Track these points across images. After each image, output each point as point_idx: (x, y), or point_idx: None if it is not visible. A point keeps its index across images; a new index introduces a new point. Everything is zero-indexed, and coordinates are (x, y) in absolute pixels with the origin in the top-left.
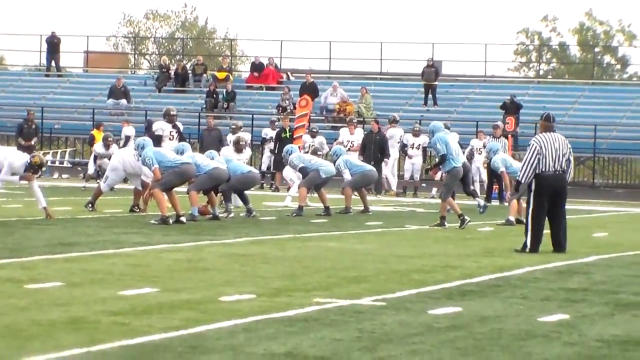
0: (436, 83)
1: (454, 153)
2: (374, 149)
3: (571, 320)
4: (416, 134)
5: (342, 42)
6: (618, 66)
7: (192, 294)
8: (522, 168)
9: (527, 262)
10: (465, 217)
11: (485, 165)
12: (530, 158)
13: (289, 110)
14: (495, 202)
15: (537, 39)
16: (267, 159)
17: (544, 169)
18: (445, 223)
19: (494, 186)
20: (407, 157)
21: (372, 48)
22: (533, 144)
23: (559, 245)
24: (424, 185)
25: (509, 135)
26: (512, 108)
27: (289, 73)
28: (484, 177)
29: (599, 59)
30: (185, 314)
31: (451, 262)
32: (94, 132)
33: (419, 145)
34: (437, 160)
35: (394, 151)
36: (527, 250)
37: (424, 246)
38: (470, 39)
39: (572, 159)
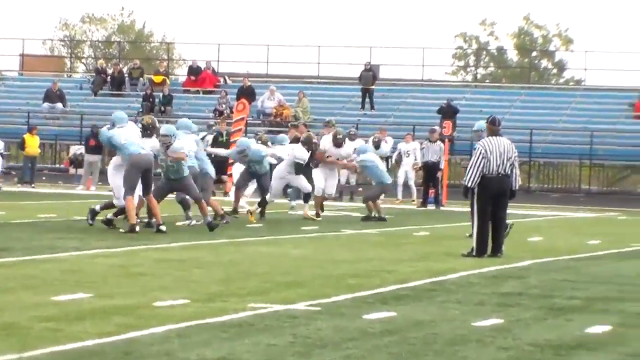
0: (373, 87)
1: None
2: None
3: (505, 324)
4: (352, 137)
5: (279, 46)
6: (555, 70)
7: (126, 299)
8: (468, 172)
9: (462, 267)
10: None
11: (416, 168)
12: (477, 162)
13: (226, 114)
14: (431, 207)
15: (475, 43)
16: None
17: (487, 172)
18: None
19: (430, 190)
20: None
21: (309, 52)
22: (479, 148)
23: (497, 249)
24: (360, 189)
25: (446, 140)
26: (448, 112)
27: (226, 77)
28: (412, 182)
29: (536, 63)
30: (119, 319)
31: (386, 266)
32: (26, 136)
33: (355, 149)
34: None
35: None
36: (474, 254)
37: (359, 251)
38: (408, 43)
39: (517, 164)
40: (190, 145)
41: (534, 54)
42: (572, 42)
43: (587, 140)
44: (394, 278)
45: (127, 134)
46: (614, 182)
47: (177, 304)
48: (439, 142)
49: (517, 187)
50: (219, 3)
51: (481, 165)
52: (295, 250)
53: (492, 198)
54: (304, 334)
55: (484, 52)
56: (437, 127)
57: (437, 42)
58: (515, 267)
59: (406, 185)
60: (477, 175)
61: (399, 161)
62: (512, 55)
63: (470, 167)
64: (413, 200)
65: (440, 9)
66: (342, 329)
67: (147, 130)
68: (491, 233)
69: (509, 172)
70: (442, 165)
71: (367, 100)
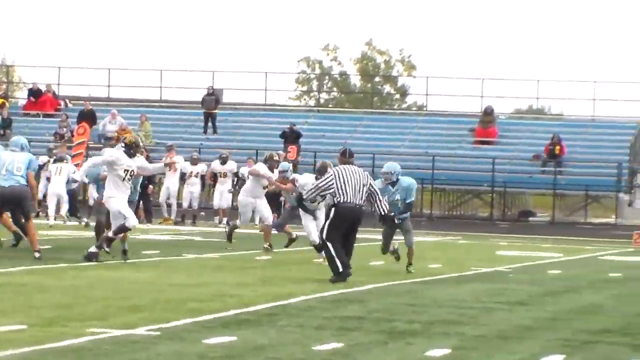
0: (216, 111)
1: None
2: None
3: (345, 348)
4: (194, 162)
5: (121, 70)
6: (397, 96)
7: None
8: (311, 189)
9: (303, 291)
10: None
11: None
12: (322, 183)
13: (66, 138)
14: (274, 231)
15: (318, 68)
16: (43, 187)
17: (342, 200)
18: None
19: (273, 214)
20: (185, 185)
21: (151, 75)
22: (330, 172)
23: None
24: (202, 213)
25: (290, 164)
26: (291, 137)
27: (67, 100)
28: None
29: (379, 89)
30: None
31: (228, 290)
32: None
33: (197, 173)
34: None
35: (174, 179)
36: (335, 279)
37: (201, 275)
38: (251, 67)
39: (376, 189)
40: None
41: (377, 79)
42: (414, 68)
43: (428, 165)
44: (236, 302)
45: (11, 162)
46: (455, 206)
47: (14, 329)
48: None
49: (386, 211)
50: (60, 26)
51: (324, 187)
52: (137, 274)
53: (345, 227)
54: (143, 359)
55: (327, 77)
56: (280, 152)
57: (280, 67)
58: (356, 291)
59: None
60: (316, 193)
61: (240, 185)
62: (355, 80)
63: (314, 184)
64: (256, 224)
65: (284, 33)
66: (182, 354)
67: (131, 150)
68: None
69: (363, 202)
70: None
71: (210, 124)
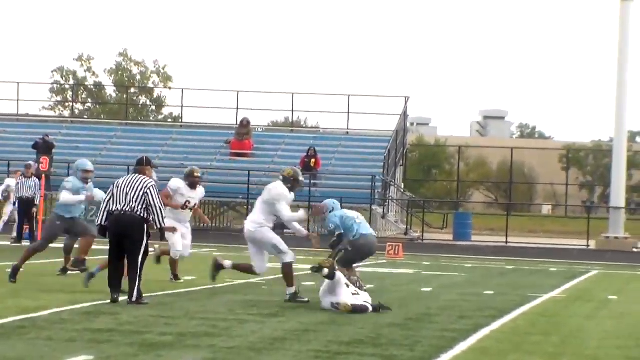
0: None
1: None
2: None
3: None
4: None
5: None
6: (153, 107)
7: None
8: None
9: (54, 304)
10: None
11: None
12: (105, 199)
13: None
14: (26, 242)
15: (72, 79)
16: None
17: (111, 209)
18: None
19: (25, 226)
20: None
21: None
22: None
23: (128, 293)
24: None
25: (42, 175)
26: (44, 147)
27: None
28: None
29: (134, 100)
30: None
31: None
32: None
33: None
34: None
35: None
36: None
37: None
38: (2, 77)
39: (153, 201)
40: None
41: (132, 90)
42: (170, 79)
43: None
44: None
45: None
46: (210, 218)
47: None
48: (34, 178)
49: (159, 225)
50: None
51: (107, 202)
52: None
53: (116, 235)
54: None
55: (83, 88)
56: (32, 162)
57: (33, 77)
58: (108, 303)
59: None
60: (103, 212)
61: (6, 198)
62: (111, 91)
63: (101, 208)
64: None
65: (36, 43)
66: None
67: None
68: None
69: (130, 209)
70: (38, 201)
71: None
